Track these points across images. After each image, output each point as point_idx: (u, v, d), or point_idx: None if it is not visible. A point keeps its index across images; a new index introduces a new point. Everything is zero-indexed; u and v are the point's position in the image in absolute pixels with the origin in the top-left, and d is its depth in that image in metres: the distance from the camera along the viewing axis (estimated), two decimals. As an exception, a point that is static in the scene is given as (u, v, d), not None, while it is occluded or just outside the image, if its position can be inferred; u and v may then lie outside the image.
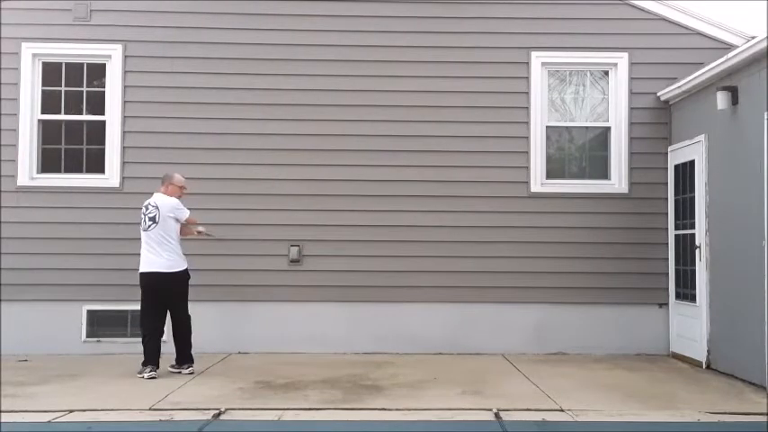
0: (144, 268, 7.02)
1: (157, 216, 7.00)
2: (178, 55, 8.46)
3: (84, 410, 5.56)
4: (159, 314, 7.06)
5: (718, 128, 7.39)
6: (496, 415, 5.47)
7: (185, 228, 7.27)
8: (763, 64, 6.56)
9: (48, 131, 8.51)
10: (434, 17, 8.55)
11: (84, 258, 8.24)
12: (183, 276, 7.09)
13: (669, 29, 8.55)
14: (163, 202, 7.09)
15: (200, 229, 7.44)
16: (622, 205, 8.48)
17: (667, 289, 8.38)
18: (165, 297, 7.03)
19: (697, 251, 7.75)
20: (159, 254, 6.98)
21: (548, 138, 8.60)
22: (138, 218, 7.20)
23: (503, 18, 8.60)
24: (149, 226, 7.01)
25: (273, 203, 8.42)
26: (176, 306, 7.10)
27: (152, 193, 7.22)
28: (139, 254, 7.08)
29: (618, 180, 8.53)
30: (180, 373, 6.95)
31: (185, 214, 7.17)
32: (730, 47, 7.91)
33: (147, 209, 7.08)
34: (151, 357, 6.91)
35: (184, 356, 7.06)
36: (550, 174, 8.57)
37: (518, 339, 8.34)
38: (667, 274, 8.38)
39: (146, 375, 6.78)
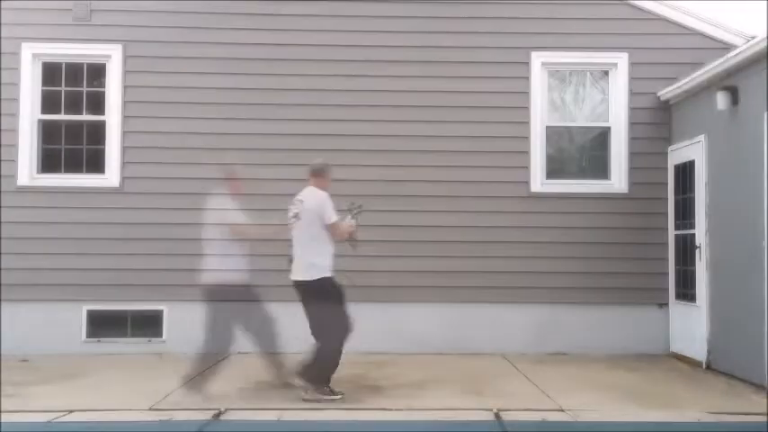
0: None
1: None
2: (178, 55, 8.46)
3: (85, 410, 5.56)
4: None
5: (719, 128, 7.39)
6: (496, 415, 5.47)
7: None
8: (763, 64, 6.56)
9: (48, 131, 8.50)
10: (433, 17, 8.54)
11: (84, 258, 8.22)
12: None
13: (669, 29, 8.55)
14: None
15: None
16: (622, 205, 8.47)
17: (667, 289, 8.38)
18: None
19: (697, 251, 7.74)
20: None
21: (548, 138, 8.60)
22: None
23: (503, 18, 8.59)
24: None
25: (274, 203, 8.39)
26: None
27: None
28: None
29: (618, 180, 8.53)
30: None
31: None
32: (730, 47, 7.90)
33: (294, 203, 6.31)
34: None
35: None
36: (551, 174, 8.57)
37: (518, 339, 8.33)
38: (667, 274, 8.38)
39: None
